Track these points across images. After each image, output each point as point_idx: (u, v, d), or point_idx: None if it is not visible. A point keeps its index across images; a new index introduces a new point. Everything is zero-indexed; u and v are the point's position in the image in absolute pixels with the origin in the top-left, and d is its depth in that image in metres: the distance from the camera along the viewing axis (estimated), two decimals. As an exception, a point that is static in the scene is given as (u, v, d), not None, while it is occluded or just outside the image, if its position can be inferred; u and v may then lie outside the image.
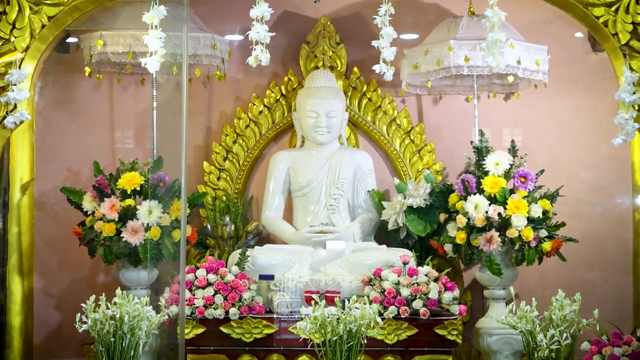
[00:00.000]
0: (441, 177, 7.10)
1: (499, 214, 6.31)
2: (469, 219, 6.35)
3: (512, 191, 6.41)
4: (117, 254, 6.42)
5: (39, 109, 6.87)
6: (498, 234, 6.30)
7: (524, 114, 7.22)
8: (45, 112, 6.99)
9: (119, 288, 5.82)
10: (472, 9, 6.83)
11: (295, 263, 6.50)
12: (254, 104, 7.20)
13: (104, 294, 5.73)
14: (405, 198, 6.74)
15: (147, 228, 6.38)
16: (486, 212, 6.32)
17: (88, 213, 6.52)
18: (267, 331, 6.15)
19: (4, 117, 6.13)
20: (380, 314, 5.95)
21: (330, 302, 5.94)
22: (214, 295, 6.12)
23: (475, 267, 6.75)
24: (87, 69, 6.77)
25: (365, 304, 5.66)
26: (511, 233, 6.29)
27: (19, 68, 6.13)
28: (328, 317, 5.51)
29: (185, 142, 5.72)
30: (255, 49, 5.39)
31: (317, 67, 7.16)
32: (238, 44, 7.08)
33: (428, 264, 6.34)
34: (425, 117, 7.30)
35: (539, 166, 6.61)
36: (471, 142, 6.65)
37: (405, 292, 6.10)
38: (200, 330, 6.13)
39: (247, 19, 5.42)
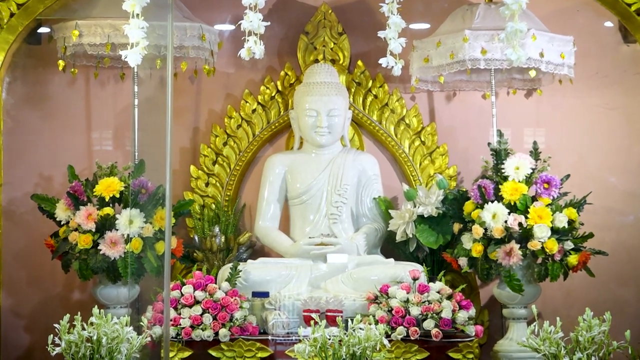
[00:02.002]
0: (455, 183, 7.11)
1: (520, 224, 6.32)
2: (486, 229, 6.36)
3: (534, 198, 6.41)
4: (94, 269, 6.41)
5: (7, 107, 6.86)
6: (519, 246, 6.30)
7: (548, 112, 7.23)
8: (14, 111, 6.98)
9: (96, 306, 5.80)
10: (489, -4, 6.85)
11: (293, 279, 6.51)
12: (246, 102, 7.21)
13: (79, 313, 5.72)
14: (415, 206, 6.74)
15: (128, 240, 6.37)
16: (505, 221, 6.32)
17: (62, 223, 6.52)
18: (261, 354, 6.14)
19: (-32, 116, 6.15)
20: (388, 336, 5.95)
21: (331, 322, 5.95)
22: (202, 315, 6.13)
23: (493, 283, 6.75)
24: (61, 63, 6.77)
25: (370, 324, 5.66)
26: (533, 245, 6.29)
27: (-15, 62, 6.15)
28: (329, 339, 5.50)
29: (170, 144, 5.71)
30: (248, 40, 5.38)
31: (316, 61, 7.18)
32: (229, 34, 7.09)
33: (440, 280, 6.34)
34: (438, 116, 7.31)
35: (564, 171, 6.61)
36: (488, 143, 6.66)
37: (415, 311, 6.10)
38: (187, 354, 6.13)
39: (238, 7, 5.41)
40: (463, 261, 6.47)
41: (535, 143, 6.59)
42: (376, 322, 5.97)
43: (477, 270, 6.48)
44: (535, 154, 6.54)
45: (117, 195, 6.47)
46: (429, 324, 6.07)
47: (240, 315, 6.15)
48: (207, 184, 7.15)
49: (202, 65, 6.94)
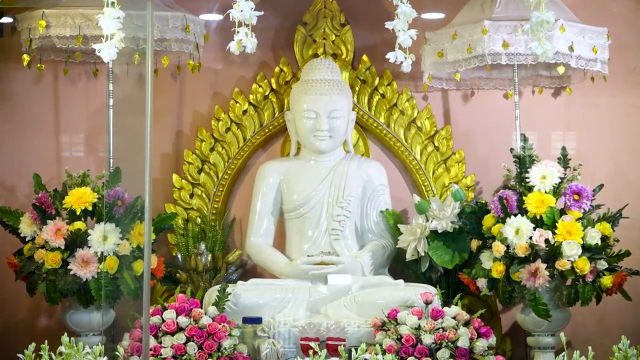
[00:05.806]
0: (473, 194, 7.13)
1: (547, 241, 6.33)
2: (508, 246, 6.38)
3: (562, 212, 6.44)
4: (63, 291, 6.41)
5: (-36, 107, 6.94)
6: (545, 265, 6.31)
7: (578, 114, 7.25)
8: (-29, 112, 7.05)
9: (65, 334, 5.80)
10: (512, -18, 6.89)
11: (289, 302, 6.52)
12: (236, 102, 7.24)
13: (46, 341, 5.71)
14: (427, 220, 6.76)
15: (102, 258, 6.39)
16: (530, 238, 6.34)
17: (27, 239, 6.53)
18: (252, 389, 6.18)
19: None
20: (396, 367, 5.99)
21: (332, 352, 5.97)
22: (185, 344, 6.13)
23: (516, 307, 6.77)
24: (26, 57, 6.77)
25: (377, 354, 5.68)
26: (562, 265, 6.30)
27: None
28: (330, 371, 5.55)
29: (150, 149, 5.74)
30: (238, 32, 5.41)
31: (316, 55, 7.21)
32: (216, 25, 7.11)
33: (457, 304, 6.36)
34: (453, 119, 7.33)
35: (597, 180, 6.63)
36: (511, 149, 6.67)
37: (427, 339, 6.11)
38: (169, 388, 6.17)
39: (228, -6, 5.47)
40: (482, 283, 6.49)
41: (564, 149, 6.60)
42: (383, 352, 5.98)
43: (498, 293, 6.49)
44: (564, 161, 6.56)
45: (90, 208, 6.47)
46: (443, 354, 6.08)
47: (229, 344, 6.15)
48: (191, 195, 7.17)
49: (186, 61, 6.94)
